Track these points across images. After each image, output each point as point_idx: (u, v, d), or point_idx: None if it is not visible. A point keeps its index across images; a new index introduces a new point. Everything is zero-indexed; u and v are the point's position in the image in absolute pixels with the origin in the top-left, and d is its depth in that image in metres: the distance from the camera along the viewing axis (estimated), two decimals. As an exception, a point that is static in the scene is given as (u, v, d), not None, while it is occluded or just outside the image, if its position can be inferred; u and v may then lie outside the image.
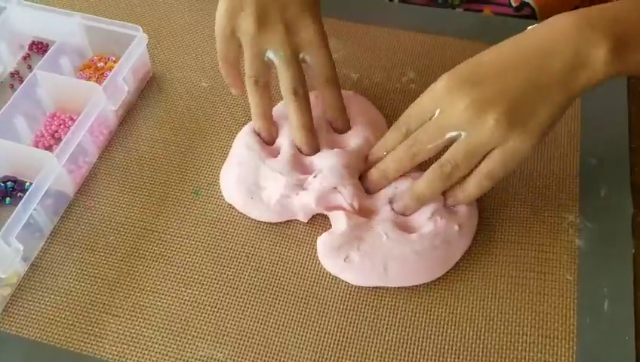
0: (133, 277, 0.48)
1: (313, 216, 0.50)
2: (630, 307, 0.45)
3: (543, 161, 0.53)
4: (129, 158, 0.55)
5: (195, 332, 0.45)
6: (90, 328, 0.46)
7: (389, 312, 0.46)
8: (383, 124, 0.55)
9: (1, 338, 0.45)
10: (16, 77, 0.60)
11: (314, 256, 0.48)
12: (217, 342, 0.45)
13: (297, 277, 0.48)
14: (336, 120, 0.52)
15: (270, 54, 0.49)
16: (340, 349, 0.44)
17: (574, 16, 0.43)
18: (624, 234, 0.49)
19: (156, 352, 0.44)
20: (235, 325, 0.46)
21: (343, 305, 0.46)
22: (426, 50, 0.62)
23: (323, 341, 0.45)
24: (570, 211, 0.51)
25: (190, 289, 0.47)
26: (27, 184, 0.52)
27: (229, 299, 0.47)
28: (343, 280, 0.47)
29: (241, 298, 0.47)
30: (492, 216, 0.50)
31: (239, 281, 0.48)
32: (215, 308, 0.46)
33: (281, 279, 0.48)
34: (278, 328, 0.45)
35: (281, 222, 0.50)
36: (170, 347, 0.45)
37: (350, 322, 0.46)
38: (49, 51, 0.57)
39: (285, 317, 0.46)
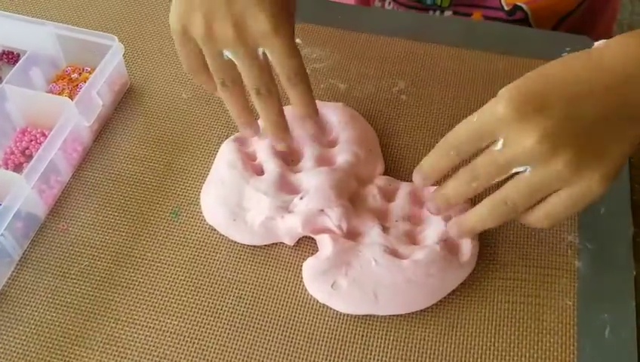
0: (108, 307, 0.45)
1: (300, 239, 0.47)
2: (632, 334, 0.43)
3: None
4: (105, 177, 0.52)
5: (174, 365, 0.43)
6: (61, 362, 0.43)
7: (380, 341, 0.43)
8: (374, 137, 0.53)
9: (-34, 375, 0.43)
10: (-14, 89, 0.57)
11: (300, 281, 0.46)
12: (198, 377, 0.42)
13: (283, 305, 0.45)
14: (304, 123, 0.49)
15: (227, 53, 0.45)
16: (329, 383, 0.42)
17: None
18: (624, 256, 0.47)
19: (132, 388, 0.42)
20: (216, 357, 0.43)
21: (331, 334, 0.44)
22: (416, 58, 0.59)
23: (310, 374, 0.42)
24: (569, 231, 0.48)
25: (169, 319, 0.45)
26: (-5, 205, 0.49)
27: (210, 329, 0.44)
28: (330, 308, 0.45)
29: (222, 328, 0.44)
30: (489, 236, 0.48)
31: (221, 310, 0.45)
32: (195, 339, 0.44)
33: (266, 306, 0.45)
34: (262, 360, 0.43)
35: (265, 245, 0.48)
36: (147, 382, 0.42)
37: (339, 352, 0.43)
38: (19, 62, 0.54)
39: (270, 348, 0.43)
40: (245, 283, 0.46)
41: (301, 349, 0.43)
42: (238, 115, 0.48)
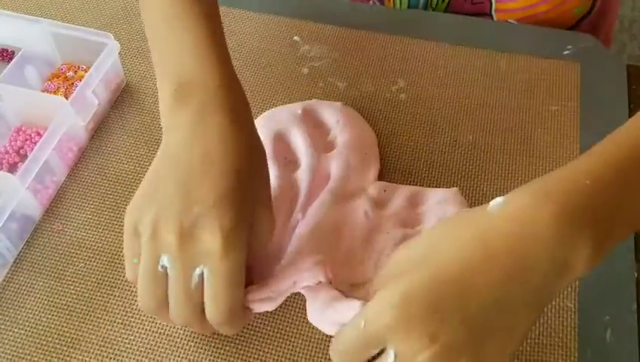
0: (103, 308, 0.45)
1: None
2: (634, 337, 0.43)
3: (540, 175, 0.51)
4: (100, 177, 0.51)
5: (170, 368, 0.42)
6: (57, 365, 0.42)
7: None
8: (372, 138, 0.52)
9: (-39, 378, 0.42)
10: (-20, 87, 0.57)
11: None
12: (195, 380, 0.42)
13: (280, 306, 0.45)
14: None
15: (164, 260, 0.38)
16: None
17: (554, 208, 0.33)
18: (626, 258, 0.46)
19: (128, 391, 0.41)
20: (212, 359, 0.42)
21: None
22: (416, 56, 0.59)
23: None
24: (570, 231, 0.48)
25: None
26: (-11, 206, 0.49)
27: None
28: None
29: (219, 333, 0.44)
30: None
31: (218, 312, 0.44)
32: (191, 341, 0.43)
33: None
34: (265, 351, 0.42)
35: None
36: (143, 385, 0.42)
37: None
38: (14, 60, 0.53)
39: (267, 348, 0.43)
40: (243, 284, 0.46)
41: (299, 347, 0.43)
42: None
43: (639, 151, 0.35)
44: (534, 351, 0.43)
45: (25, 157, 0.51)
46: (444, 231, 0.36)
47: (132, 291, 0.45)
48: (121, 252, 0.47)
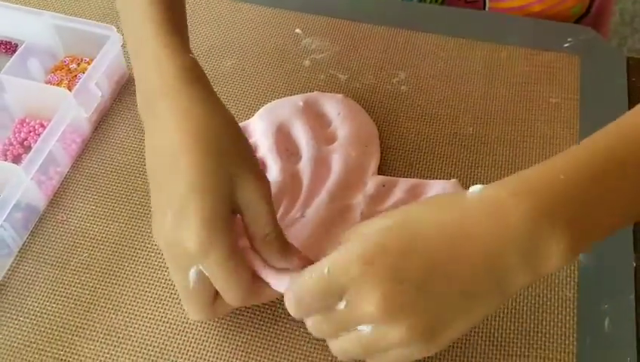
0: (107, 297, 0.45)
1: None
2: (632, 326, 0.43)
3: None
4: (104, 168, 0.52)
5: (175, 356, 0.43)
6: (62, 353, 0.43)
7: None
8: (373, 130, 0.52)
9: (-33, 366, 0.43)
10: (-16, 79, 0.57)
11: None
12: (198, 368, 0.42)
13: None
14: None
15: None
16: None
17: (528, 202, 0.34)
18: (625, 247, 0.47)
19: (133, 379, 0.42)
20: (217, 347, 0.43)
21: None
22: (417, 48, 0.59)
23: None
24: (569, 222, 0.48)
25: (168, 309, 0.45)
26: (-6, 197, 0.49)
27: (212, 320, 0.44)
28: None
29: (222, 318, 0.44)
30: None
31: (221, 301, 0.45)
32: (195, 329, 0.44)
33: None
34: (266, 340, 0.43)
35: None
36: (147, 373, 0.42)
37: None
38: (17, 52, 0.54)
39: (270, 339, 0.43)
40: (245, 274, 0.46)
41: (301, 336, 0.43)
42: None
43: (614, 152, 0.35)
44: (533, 340, 0.43)
45: (29, 148, 0.52)
46: (422, 209, 0.37)
47: (135, 280, 0.46)
48: (124, 241, 0.48)
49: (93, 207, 0.50)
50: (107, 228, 0.48)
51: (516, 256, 0.34)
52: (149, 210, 0.49)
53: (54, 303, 0.45)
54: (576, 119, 0.54)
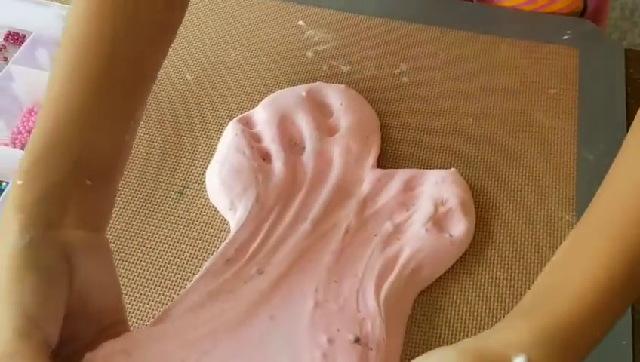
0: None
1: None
2: (628, 320, 0.44)
3: (539, 158, 0.52)
4: (110, 156, 0.53)
5: (179, 339, 0.44)
6: (70, 336, 0.44)
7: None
8: (374, 120, 0.53)
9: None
10: (-8, 70, 0.58)
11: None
12: (203, 350, 0.43)
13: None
14: None
15: None
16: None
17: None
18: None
19: None
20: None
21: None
22: (418, 40, 0.60)
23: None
24: (566, 210, 0.49)
25: (173, 296, 0.45)
26: (3, 184, 0.50)
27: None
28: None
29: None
30: (486, 214, 0.49)
31: (226, 286, 0.46)
32: (201, 314, 0.45)
33: (269, 283, 0.46)
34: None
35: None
36: (154, 355, 0.43)
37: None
38: (25, 43, 0.55)
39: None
40: (249, 260, 0.47)
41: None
42: None
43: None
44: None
45: (37, 137, 0.53)
46: None
47: (141, 267, 0.47)
48: (129, 229, 0.48)
49: (101, 195, 0.50)
50: (112, 216, 0.49)
51: None
52: (154, 198, 0.50)
53: (63, 287, 0.46)
54: (575, 110, 0.55)
